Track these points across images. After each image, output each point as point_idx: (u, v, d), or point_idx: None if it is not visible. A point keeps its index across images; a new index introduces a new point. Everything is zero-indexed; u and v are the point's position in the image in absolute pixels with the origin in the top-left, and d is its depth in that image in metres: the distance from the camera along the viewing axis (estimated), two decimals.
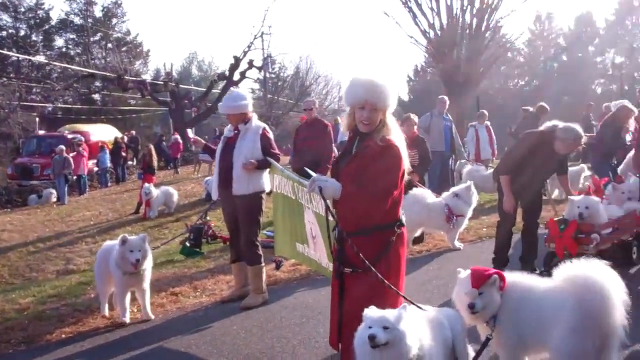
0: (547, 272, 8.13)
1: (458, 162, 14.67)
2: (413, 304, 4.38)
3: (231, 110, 7.88)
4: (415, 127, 10.94)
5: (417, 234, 10.49)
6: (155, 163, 21.61)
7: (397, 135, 4.63)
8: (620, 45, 62.45)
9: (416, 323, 3.96)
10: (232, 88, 28.73)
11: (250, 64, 41.39)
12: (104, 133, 37.05)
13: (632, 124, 11.46)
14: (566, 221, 7.90)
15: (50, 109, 50.95)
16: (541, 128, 8.56)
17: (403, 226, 4.67)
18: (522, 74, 67.75)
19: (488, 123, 17.45)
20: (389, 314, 3.79)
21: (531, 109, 17.30)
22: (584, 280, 4.32)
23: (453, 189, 10.46)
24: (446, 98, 14.56)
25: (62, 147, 25.94)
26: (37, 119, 43.24)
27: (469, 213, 10.31)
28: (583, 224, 7.81)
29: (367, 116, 4.54)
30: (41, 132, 36.61)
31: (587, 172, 13.88)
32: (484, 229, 11.54)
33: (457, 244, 10.27)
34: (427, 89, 51.88)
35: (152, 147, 22.55)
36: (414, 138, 10.68)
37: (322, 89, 64.46)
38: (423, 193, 10.19)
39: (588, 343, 4.14)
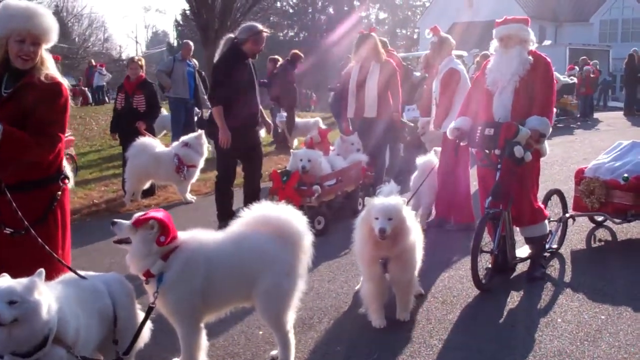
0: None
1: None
2: (71, 270, 3.75)
3: None
4: (142, 70, 10.12)
5: (146, 185, 9.80)
6: None
7: (58, 74, 3.95)
8: (383, 2, 65.39)
9: (57, 291, 3.32)
10: None
11: None
12: None
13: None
14: (289, 173, 7.67)
15: None
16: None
17: (67, 179, 4.01)
18: (291, 25, 68.44)
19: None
20: (17, 284, 3.10)
21: (280, 59, 17.04)
22: (277, 221, 4.27)
23: (183, 138, 9.85)
24: (191, 43, 13.77)
25: None
26: None
27: (201, 163, 9.75)
28: (305, 175, 7.63)
29: (31, 50, 3.80)
30: None
31: (322, 125, 14.01)
32: None
33: (189, 196, 9.74)
34: (196, 35, 50.47)
35: None
36: (141, 81, 9.92)
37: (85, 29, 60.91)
38: (151, 142, 9.48)
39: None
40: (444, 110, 7.63)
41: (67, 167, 4.13)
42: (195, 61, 14.75)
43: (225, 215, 7.58)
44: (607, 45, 34.43)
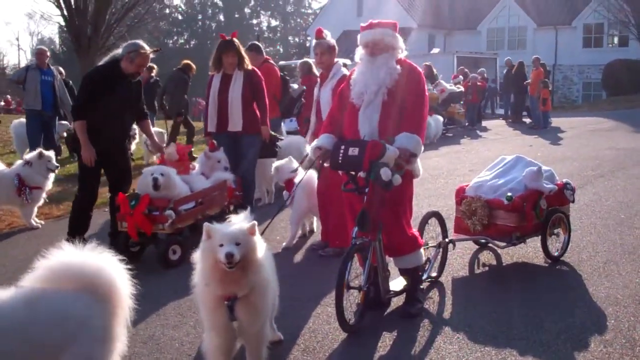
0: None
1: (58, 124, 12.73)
2: None
3: None
4: None
5: None
6: None
7: None
8: (274, 9, 64.97)
9: None
10: None
11: None
12: None
13: None
14: (137, 196, 6.71)
15: None
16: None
17: None
18: (181, 32, 67.04)
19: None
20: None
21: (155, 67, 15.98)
22: (81, 272, 3.38)
23: (25, 156, 8.70)
24: (45, 48, 12.58)
25: None
26: None
27: (48, 185, 8.61)
28: (157, 198, 6.69)
29: None
30: None
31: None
32: None
33: (35, 221, 8.58)
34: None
35: None
36: None
37: None
38: None
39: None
40: None
41: None
42: (59, 69, 13.57)
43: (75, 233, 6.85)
44: (495, 53, 34.89)
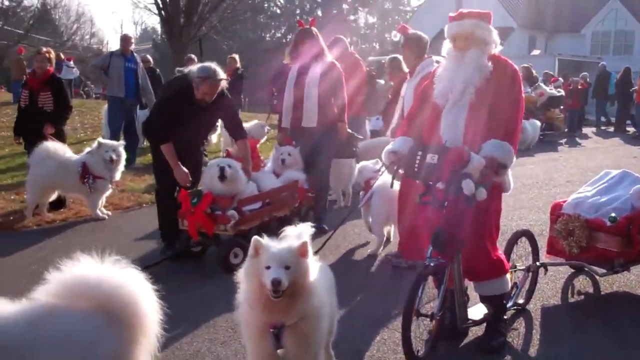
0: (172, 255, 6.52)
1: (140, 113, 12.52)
2: None
3: None
4: (51, 63, 8.67)
5: (53, 197, 8.34)
6: None
7: None
8: (372, 6, 64.25)
9: None
10: None
11: None
12: None
13: None
14: (200, 194, 6.25)
15: None
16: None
17: None
18: (278, 26, 67.11)
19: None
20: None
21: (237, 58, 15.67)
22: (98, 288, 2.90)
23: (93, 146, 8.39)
24: (130, 35, 12.38)
25: None
26: None
27: (115, 175, 8.28)
28: (221, 196, 6.22)
29: None
30: None
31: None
32: (149, 194, 9.50)
33: (100, 212, 8.28)
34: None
35: None
36: (49, 77, 8.51)
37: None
38: (56, 147, 8.01)
39: None
40: None
41: None
42: (147, 57, 13.45)
43: (170, 233, 6.58)
44: (599, 58, 33.10)
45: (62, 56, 30.48)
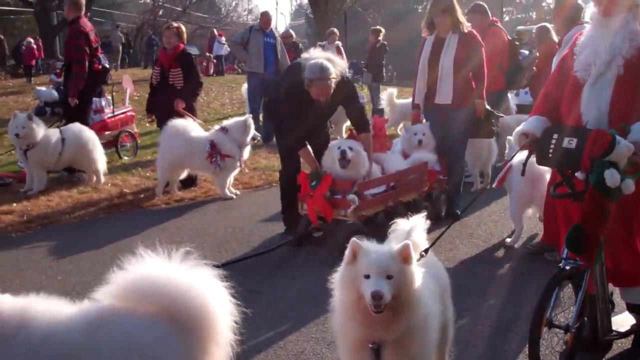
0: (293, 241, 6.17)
1: None
2: None
3: None
4: (181, 39, 8.55)
5: (183, 175, 8.30)
6: None
7: None
8: None
9: None
10: None
11: None
12: None
13: None
14: (319, 176, 5.87)
15: None
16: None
17: None
18: None
19: (339, 43, 15.14)
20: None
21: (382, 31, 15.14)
22: (166, 292, 2.58)
23: (224, 123, 8.22)
24: (268, 11, 12.20)
25: None
26: None
27: (244, 154, 8.07)
28: (340, 180, 5.81)
29: None
30: None
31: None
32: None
33: (229, 192, 8.11)
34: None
35: None
36: (179, 53, 8.44)
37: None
38: (185, 125, 7.90)
39: None
40: None
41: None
42: (289, 32, 13.31)
43: (291, 217, 6.38)
44: None
45: (216, 32, 31.46)
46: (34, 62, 30.33)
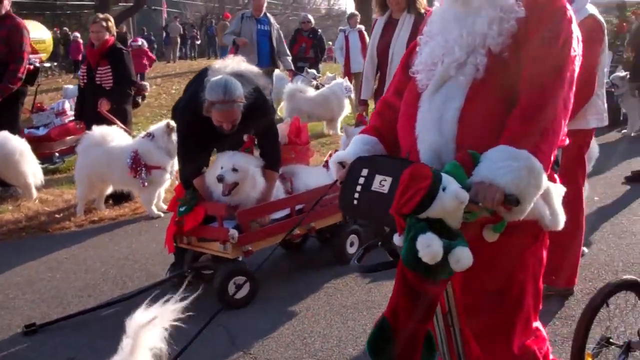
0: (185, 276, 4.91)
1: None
2: None
3: None
4: (110, 32, 7.44)
5: (108, 191, 7.25)
6: None
7: None
8: None
9: None
10: None
11: None
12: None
13: None
14: (191, 201, 4.68)
15: None
16: None
17: None
18: None
19: (362, 27, 13.76)
20: None
21: None
22: None
23: (150, 128, 7.03)
24: None
25: None
26: None
27: (173, 165, 6.76)
28: (214, 204, 4.64)
29: None
30: None
31: None
32: None
33: (155, 209, 6.96)
34: None
35: None
36: (107, 48, 7.39)
37: None
38: (105, 132, 6.78)
39: None
40: None
41: None
42: (307, 17, 12.54)
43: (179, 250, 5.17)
44: None
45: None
46: (80, 57, 29.81)
